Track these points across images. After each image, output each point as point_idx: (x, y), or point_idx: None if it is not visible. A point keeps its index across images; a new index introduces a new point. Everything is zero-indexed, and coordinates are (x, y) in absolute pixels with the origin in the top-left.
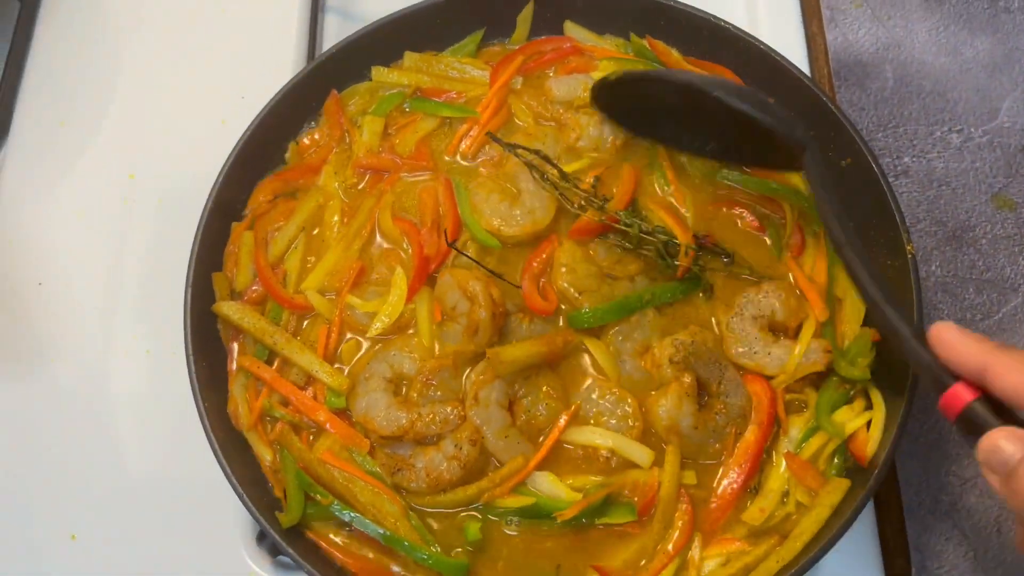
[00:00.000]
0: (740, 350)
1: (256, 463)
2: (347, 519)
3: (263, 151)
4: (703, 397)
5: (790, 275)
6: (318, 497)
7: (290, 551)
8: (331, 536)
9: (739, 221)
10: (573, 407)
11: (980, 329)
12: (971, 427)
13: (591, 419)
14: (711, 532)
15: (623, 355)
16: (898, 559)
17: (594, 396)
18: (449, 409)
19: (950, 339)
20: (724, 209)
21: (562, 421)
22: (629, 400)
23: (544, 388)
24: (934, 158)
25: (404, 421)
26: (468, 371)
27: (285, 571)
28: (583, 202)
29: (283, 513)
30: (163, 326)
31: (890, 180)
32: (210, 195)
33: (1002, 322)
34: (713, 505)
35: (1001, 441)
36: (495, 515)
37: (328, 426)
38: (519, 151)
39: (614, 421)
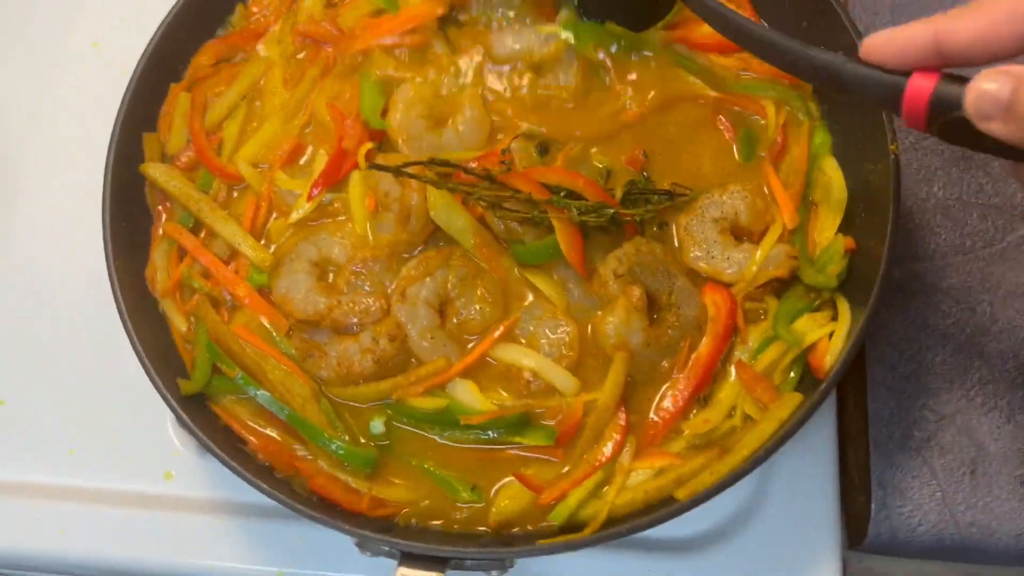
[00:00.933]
0: (696, 254)
1: (170, 337)
2: (252, 394)
3: (212, 13)
4: (653, 312)
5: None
6: (224, 369)
7: (184, 416)
8: (236, 413)
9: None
10: (512, 319)
11: (981, 257)
12: (947, 118)
13: (524, 339)
14: (648, 444)
15: (569, 282)
16: (859, 497)
17: (534, 314)
18: (371, 300)
19: (883, 39)
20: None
21: (497, 333)
22: (568, 327)
23: (480, 291)
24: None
25: (322, 306)
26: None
27: (211, 455)
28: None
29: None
30: None
31: None
32: (145, 50)
33: (1006, 252)
34: (655, 417)
35: (983, 84)
36: (404, 415)
37: (247, 302)
38: (407, 169)
39: (547, 345)
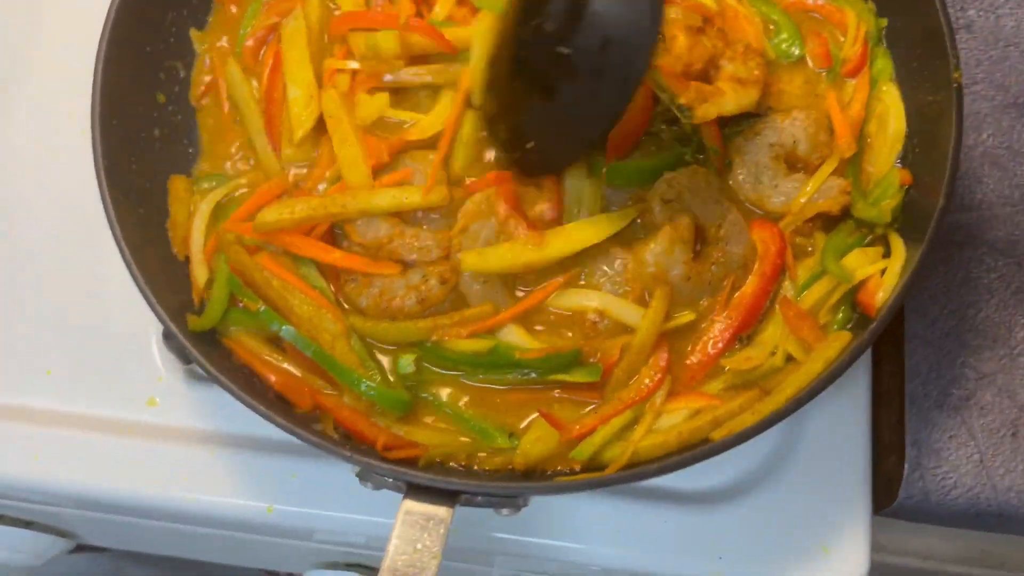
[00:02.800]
0: (743, 177)
1: (167, 248)
2: (275, 329)
3: None
4: (698, 245)
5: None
6: (244, 302)
7: (196, 355)
8: (253, 348)
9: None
10: (570, 273)
11: None
12: None
13: (583, 281)
14: (685, 386)
15: (612, 206)
16: (889, 457)
17: (589, 253)
18: (434, 241)
19: None
20: None
21: (556, 282)
22: (624, 258)
23: None
24: (1005, 14)
25: (383, 234)
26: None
27: (198, 383)
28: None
29: (197, 316)
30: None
31: None
32: None
33: None
34: (693, 358)
35: None
36: (443, 358)
37: None
38: None
39: (607, 283)
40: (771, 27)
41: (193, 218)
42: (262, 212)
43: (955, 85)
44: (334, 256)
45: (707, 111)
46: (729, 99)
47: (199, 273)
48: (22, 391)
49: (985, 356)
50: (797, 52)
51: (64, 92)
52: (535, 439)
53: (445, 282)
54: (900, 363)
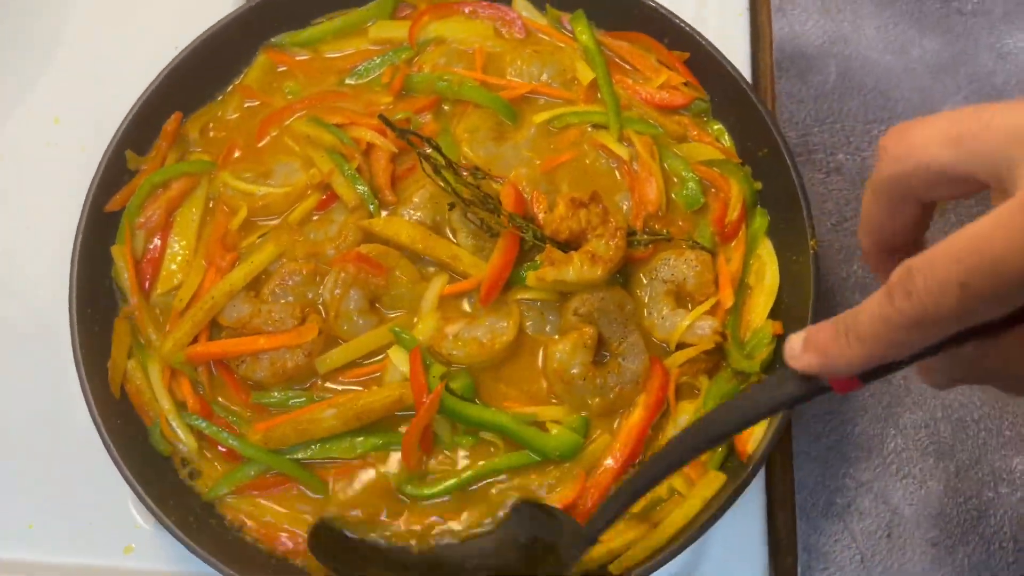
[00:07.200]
0: (643, 308)
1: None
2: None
3: (191, 92)
4: (604, 356)
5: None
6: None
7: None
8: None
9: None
10: None
11: None
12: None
13: None
14: (580, 513)
15: (549, 313)
16: (786, 558)
17: None
18: (287, 314)
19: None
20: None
21: None
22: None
23: (402, 277)
24: (868, 156)
25: (245, 313)
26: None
27: None
28: (475, 203)
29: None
30: None
31: (822, 176)
32: (115, 135)
33: None
34: (589, 484)
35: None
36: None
37: None
38: (411, 138)
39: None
40: (675, 181)
41: (152, 385)
42: (163, 344)
43: (812, 252)
44: (207, 348)
45: (546, 274)
46: (572, 271)
47: (185, 436)
48: (7, 545)
49: (862, 466)
50: (703, 200)
51: None
52: None
53: (321, 332)
54: (791, 473)
